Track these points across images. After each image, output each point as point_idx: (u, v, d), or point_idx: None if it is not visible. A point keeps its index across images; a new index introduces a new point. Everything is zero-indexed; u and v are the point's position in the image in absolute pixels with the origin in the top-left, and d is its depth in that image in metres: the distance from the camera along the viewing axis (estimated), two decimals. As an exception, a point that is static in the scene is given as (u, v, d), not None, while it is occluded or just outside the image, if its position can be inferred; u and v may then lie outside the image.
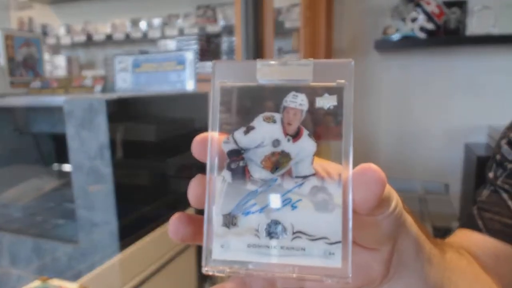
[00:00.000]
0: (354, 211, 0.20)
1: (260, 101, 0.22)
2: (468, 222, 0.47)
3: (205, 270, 0.20)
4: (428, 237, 0.30)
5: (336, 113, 0.21)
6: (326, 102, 0.21)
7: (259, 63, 0.21)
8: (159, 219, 0.96)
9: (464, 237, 0.46)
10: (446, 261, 0.32)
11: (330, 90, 0.21)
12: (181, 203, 0.87)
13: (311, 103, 0.21)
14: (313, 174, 0.20)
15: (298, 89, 0.21)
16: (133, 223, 0.90)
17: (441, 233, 1.32)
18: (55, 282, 0.58)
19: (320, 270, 0.19)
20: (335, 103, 0.21)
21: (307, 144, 0.21)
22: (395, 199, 0.24)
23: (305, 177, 0.20)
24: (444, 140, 1.90)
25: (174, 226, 0.22)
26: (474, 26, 1.72)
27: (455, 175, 1.86)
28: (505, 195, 0.45)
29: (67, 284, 0.59)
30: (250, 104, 0.22)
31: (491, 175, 0.48)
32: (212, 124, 0.21)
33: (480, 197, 0.48)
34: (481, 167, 1.47)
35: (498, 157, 0.48)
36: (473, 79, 1.81)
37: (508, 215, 0.44)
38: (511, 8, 1.69)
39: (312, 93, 0.21)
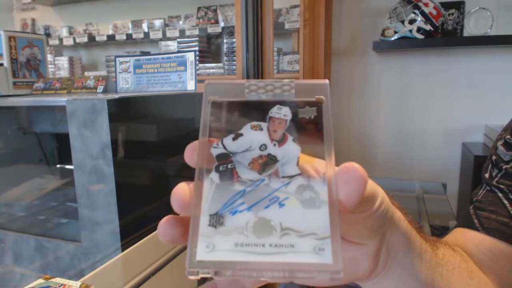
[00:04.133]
0: (339, 209, 0.20)
1: (247, 113, 0.23)
2: (465, 221, 0.47)
3: (189, 271, 0.19)
4: (420, 233, 0.31)
5: (317, 121, 0.22)
6: (307, 113, 0.23)
7: (247, 83, 0.23)
8: (161, 218, 0.95)
9: (461, 235, 0.46)
10: (438, 257, 0.32)
11: (310, 104, 0.23)
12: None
13: (294, 114, 0.23)
14: (299, 174, 0.21)
15: (282, 103, 0.23)
16: (135, 222, 0.91)
17: (439, 232, 1.33)
18: (58, 280, 0.59)
19: (311, 266, 0.19)
20: (315, 113, 0.23)
21: (292, 147, 0.22)
22: (380, 197, 0.24)
23: (291, 176, 0.21)
24: (441, 140, 1.90)
25: (162, 228, 0.22)
26: (471, 27, 1.73)
27: (452, 175, 1.86)
28: (500, 194, 0.45)
29: (70, 283, 0.59)
30: (239, 115, 0.23)
31: (487, 175, 0.49)
32: (202, 133, 0.22)
33: (477, 197, 0.48)
34: (478, 166, 1.48)
35: (494, 158, 0.48)
36: (470, 80, 1.82)
37: (504, 213, 0.44)
38: (508, 10, 1.70)
39: (295, 106, 0.23)
